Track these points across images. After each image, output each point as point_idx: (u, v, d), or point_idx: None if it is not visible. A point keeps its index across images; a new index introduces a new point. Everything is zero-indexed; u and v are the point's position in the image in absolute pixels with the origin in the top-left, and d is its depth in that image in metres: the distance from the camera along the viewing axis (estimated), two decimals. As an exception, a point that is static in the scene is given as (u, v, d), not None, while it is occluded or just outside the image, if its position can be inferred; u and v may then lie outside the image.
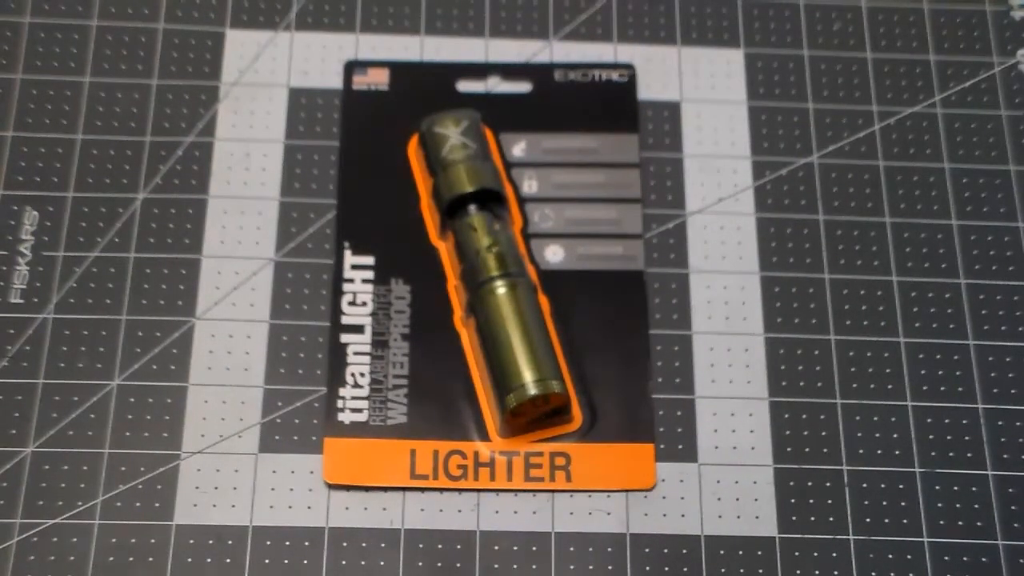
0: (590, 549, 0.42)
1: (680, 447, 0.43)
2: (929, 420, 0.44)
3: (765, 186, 0.48)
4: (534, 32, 0.50)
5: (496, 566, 0.41)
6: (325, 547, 0.41)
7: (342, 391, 0.43)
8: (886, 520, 0.42)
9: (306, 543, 0.41)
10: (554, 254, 0.46)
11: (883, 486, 0.43)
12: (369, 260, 0.45)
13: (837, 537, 0.42)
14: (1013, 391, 0.44)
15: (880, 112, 0.49)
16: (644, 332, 0.45)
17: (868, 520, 0.42)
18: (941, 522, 0.42)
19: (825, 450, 0.43)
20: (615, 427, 0.43)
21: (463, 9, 0.50)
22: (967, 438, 0.44)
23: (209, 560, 0.41)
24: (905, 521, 0.42)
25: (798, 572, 0.42)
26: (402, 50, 0.49)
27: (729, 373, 0.44)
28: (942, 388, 0.44)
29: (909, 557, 0.42)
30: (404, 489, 0.42)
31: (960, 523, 0.42)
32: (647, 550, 0.42)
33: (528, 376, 0.42)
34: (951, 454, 0.43)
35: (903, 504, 0.43)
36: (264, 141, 0.47)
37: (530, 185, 0.47)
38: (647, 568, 0.42)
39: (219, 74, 0.48)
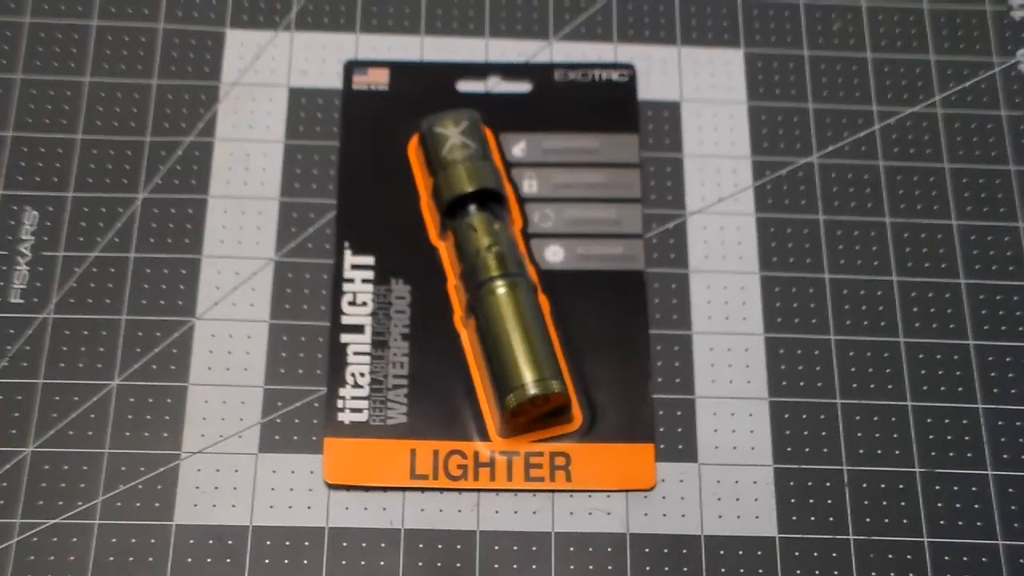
0: (590, 549, 0.42)
1: (680, 447, 0.43)
2: (929, 420, 0.44)
3: (765, 186, 0.48)
4: (534, 32, 0.50)
5: (496, 566, 0.41)
6: (325, 547, 0.41)
7: (342, 391, 0.43)
8: (886, 520, 0.42)
9: (306, 543, 0.41)
10: (554, 254, 0.46)
11: (883, 486, 0.43)
12: (369, 260, 0.45)
13: (837, 537, 0.42)
14: (1013, 391, 0.44)
15: (880, 112, 0.49)
16: (644, 332, 0.45)
17: (868, 520, 0.42)
18: (941, 522, 0.42)
19: (825, 450, 0.43)
20: (615, 427, 0.43)
21: (463, 9, 0.50)
22: (967, 438, 0.44)
23: (209, 560, 0.41)
24: (905, 521, 0.42)
25: (798, 572, 0.42)
26: (402, 50, 0.49)
27: (729, 373, 0.44)
28: (942, 388, 0.44)
29: (909, 557, 0.42)
30: (404, 489, 0.42)
31: (960, 523, 0.42)
32: (647, 550, 0.42)
33: (528, 376, 0.42)
34: (951, 454, 0.43)
35: (903, 504, 0.43)
36: (264, 141, 0.47)
37: (530, 185, 0.47)
38: (647, 568, 0.42)
39: (219, 74, 0.48)
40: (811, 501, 0.43)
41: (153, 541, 0.41)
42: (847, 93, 0.49)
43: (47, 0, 0.49)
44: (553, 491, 0.43)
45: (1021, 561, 0.42)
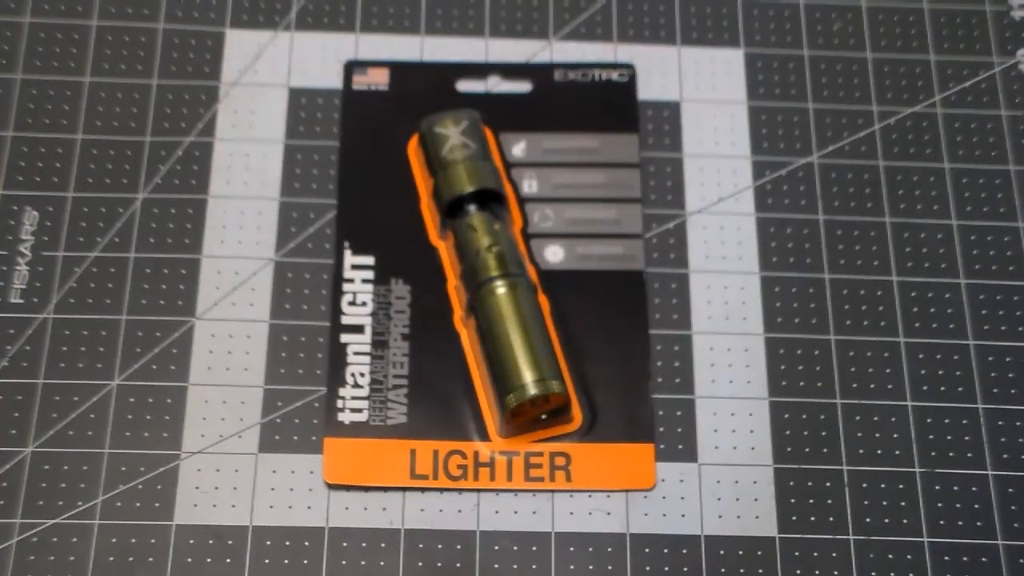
0: (590, 549, 0.42)
1: (680, 447, 0.43)
2: (929, 420, 0.44)
3: (765, 186, 0.48)
4: (534, 32, 0.50)
5: (496, 566, 0.41)
6: (325, 547, 0.41)
7: (342, 391, 0.43)
8: (886, 520, 0.42)
9: (306, 543, 0.41)
10: (554, 254, 0.46)
11: (883, 486, 0.43)
12: (369, 260, 0.45)
13: (837, 537, 0.42)
14: (1013, 391, 0.44)
15: (880, 112, 0.49)
16: (644, 332, 0.45)
17: (868, 520, 0.42)
18: (941, 522, 0.42)
19: (825, 450, 0.43)
20: (615, 427, 0.43)
21: (463, 9, 0.50)
22: (967, 438, 0.44)
23: (209, 560, 0.41)
24: (905, 521, 0.42)
25: (798, 572, 0.42)
26: (402, 50, 0.49)
27: (729, 373, 0.44)
28: (942, 388, 0.44)
29: (909, 557, 0.42)
30: (404, 489, 0.42)
31: (960, 523, 0.42)
32: (647, 550, 0.42)
33: (528, 376, 0.42)
34: (951, 454, 0.43)
35: (903, 504, 0.43)
36: (264, 141, 0.47)
37: (530, 185, 0.47)
38: (647, 568, 0.42)
39: (219, 74, 0.48)
40: (811, 501, 0.43)
41: (153, 541, 0.41)
42: (847, 93, 0.49)
43: (47, 0, 0.49)
44: (553, 491, 0.43)
45: (1021, 561, 0.42)
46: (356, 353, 0.44)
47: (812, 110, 0.49)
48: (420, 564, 0.41)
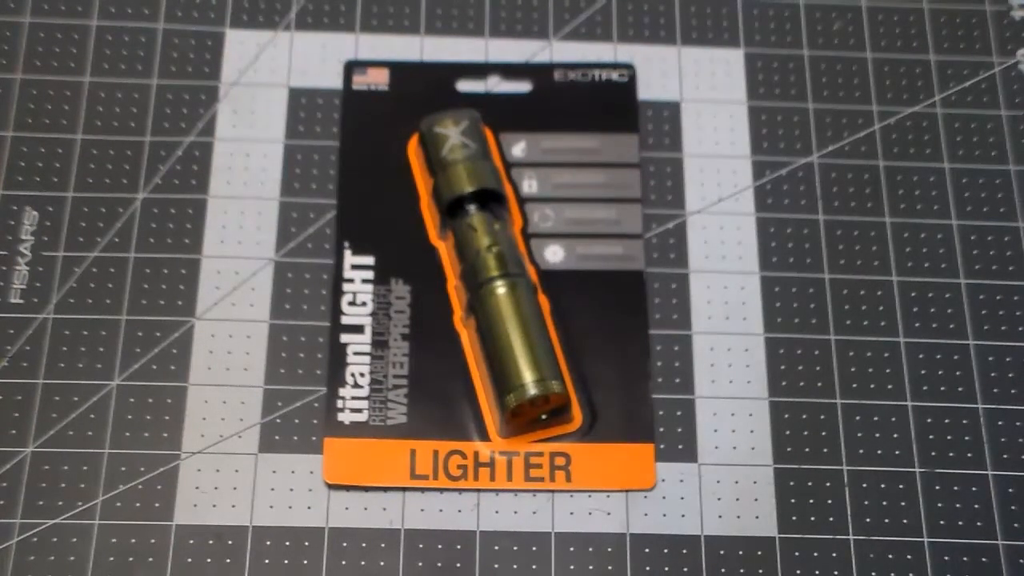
0: (590, 549, 0.42)
1: (680, 447, 0.43)
2: (929, 420, 0.44)
3: (765, 186, 0.48)
4: (534, 32, 0.50)
5: (496, 566, 0.41)
6: (325, 547, 0.41)
7: (342, 391, 0.43)
8: (886, 520, 0.42)
9: (306, 543, 0.41)
10: (554, 254, 0.46)
11: (883, 486, 0.43)
12: (369, 260, 0.45)
13: (837, 537, 0.42)
14: (1013, 391, 0.44)
15: (880, 112, 0.49)
16: (644, 332, 0.45)
17: (868, 520, 0.42)
18: (941, 522, 0.42)
19: (825, 450, 0.43)
20: (615, 427, 0.43)
21: (463, 9, 0.50)
22: (967, 438, 0.44)
23: (209, 560, 0.41)
24: (905, 521, 0.42)
25: (798, 572, 0.42)
26: (402, 50, 0.49)
27: (729, 373, 0.44)
28: (942, 388, 0.44)
29: (909, 557, 0.42)
30: (404, 489, 0.42)
31: (960, 523, 0.42)
32: (647, 550, 0.42)
33: (528, 376, 0.42)
34: (951, 454, 0.43)
35: (903, 504, 0.43)
36: (264, 141, 0.47)
37: (530, 185, 0.47)
38: (647, 568, 0.42)
39: (219, 74, 0.48)
40: (811, 501, 0.43)
41: (153, 541, 0.41)
42: (847, 93, 0.49)
43: (47, 0, 0.49)
44: (553, 491, 0.43)
45: (1021, 561, 0.42)
46: (356, 353, 0.44)
47: (812, 110, 0.49)
48: (420, 564, 0.41)
